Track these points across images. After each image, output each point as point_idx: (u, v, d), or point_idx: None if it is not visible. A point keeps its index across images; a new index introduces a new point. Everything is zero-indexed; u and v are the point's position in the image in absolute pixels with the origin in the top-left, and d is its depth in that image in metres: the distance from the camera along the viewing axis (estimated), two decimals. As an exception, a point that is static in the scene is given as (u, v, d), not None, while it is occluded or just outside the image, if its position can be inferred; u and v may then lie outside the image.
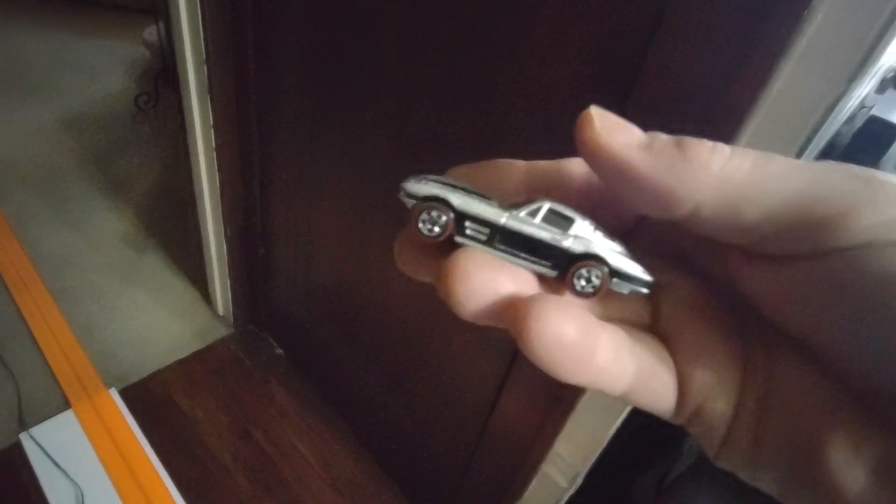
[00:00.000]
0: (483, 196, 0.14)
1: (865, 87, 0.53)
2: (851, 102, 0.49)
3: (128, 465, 1.09)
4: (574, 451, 0.73)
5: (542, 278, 0.15)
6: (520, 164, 0.16)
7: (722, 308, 0.15)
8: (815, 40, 0.40)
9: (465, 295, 0.13)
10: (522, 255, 0.14)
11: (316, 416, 1.21)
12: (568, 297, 0.15)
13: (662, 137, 0.13)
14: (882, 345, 0.11)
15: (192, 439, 1.15)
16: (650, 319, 0.16)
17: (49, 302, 1.34)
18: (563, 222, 0.14)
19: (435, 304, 0.91)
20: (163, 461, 1.10)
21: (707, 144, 0.13)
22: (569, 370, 0.13)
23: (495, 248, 0.14)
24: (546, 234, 0.14)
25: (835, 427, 0.13)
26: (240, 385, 1.26)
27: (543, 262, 0.14)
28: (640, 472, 0.78)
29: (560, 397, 0.69)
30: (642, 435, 0.70)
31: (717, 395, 0.14)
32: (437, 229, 0.14)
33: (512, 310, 0.13)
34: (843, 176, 0.12)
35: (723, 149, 0.13)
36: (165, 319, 1.36)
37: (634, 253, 0.15)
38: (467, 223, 0.14)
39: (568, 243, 0.14)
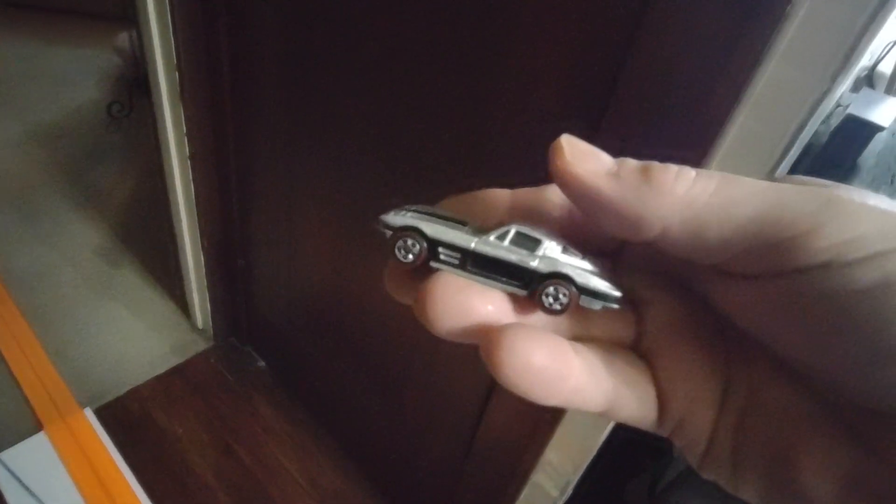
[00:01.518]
0: (458, 222, 0.16)
1: (841, 87, 0.53)
2: (829, 102, 0.49)
3: (104, 487, 1.05)
4: (564, 459, 0.72)
5: (514, 298, 0.16)
6: (504, 194, 0.17)
7: (704, 323, 0.16)
8: (798, 39, 0.40)
9: (438, 316, 0.14)
10: (493, 276, 0.15)
11: (301, 431, 1.19)
12: (538, 317, 0.15)
13: (630, 164, 0.14)
14: (847, 360, 0.12)
15: (172, 458, 1.12)
16: (634, 336, 0.16)
17: (20, 320, 1.30)
18: (531, 244, 0.15)
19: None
20: (141, 482, 1.06)
21: (672, 170, 0.13)
22: (541, 394, 0.14)
23: (468, 271, 0.15)
24: (514, 255, 0.15)
25: (809, 440, 0.13)
26: (221, 400, 1.23)
27: (514, 283, 0.15)
28: (630, 478, 0.77)
29: (549, 406, 0.68)
30: (633, 442, 0.69)
31: (697, 409, 0.15)
32: (410, 256, 0.15)
33: (483, 339, 0.14)
34: (804, 197, 0.12)
35: (687, 173, 0.13)
36: (142, 334, 1.33)
37: (607, 270, 0.16)
38: (441, 249, 0.15)
39: (535, 264, 0.15)
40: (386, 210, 0.16)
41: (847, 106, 0.72)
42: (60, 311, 1.34)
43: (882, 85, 0.82)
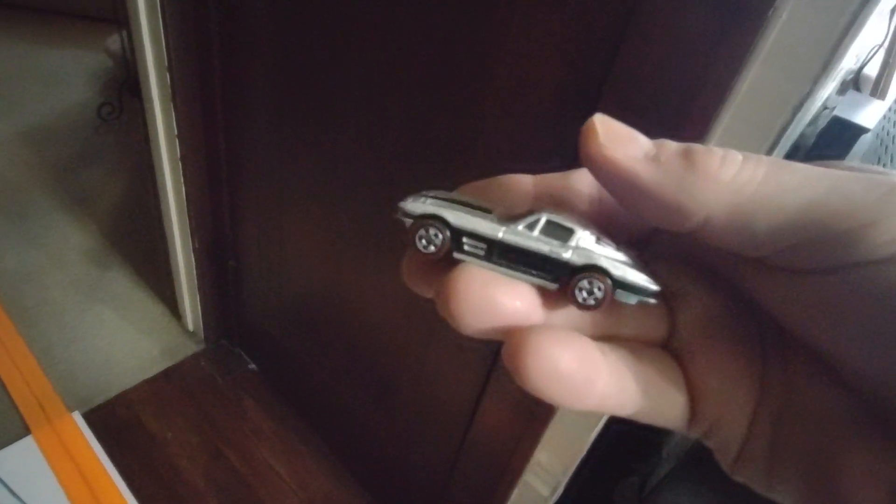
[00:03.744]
0: (482, 210, 0.14)
1: (827, 89, 0.54)
2: (815, 104, 0.49)
3: (92, 492, 1.04)
4: (555, 459, 0.72)
5: (543, 291, 0.14)
6: (527, 180, 0.16)
7: (740, 319, 0.15)
8: (780, 42, 0.41)
9: (463, 312, 0.13)
10: (521, 268, 0.14)
11: (291, 433, 1.18)
12: (566, 313, 0.14)
13: (670, 147, 0.13)
14: None
15: (161, 462, 1.11)
16: (666, 333, 0.15)
17: (6, 322, 1.28)
18: (563, 233, 0.14)
19: (411, 315, 0.89)
20: (130, 486, 1.05)
21: (717, 154, 0.12)
22: (568, 400, 0.13)
23: (494, 262, 0.14)
24: (545, 246, 0.14)
25: (852, 446, 0.12)
26: (211, 403, 1.22)
27: (543, 275, 0.14)
28: (620, 478, 0.77)
29: (539, 406, 0.68)
30: (622, 441, 0.69)
31: (730, 412, 0.14)
32: (432, 247, 0.14)
33: (506, 342, 0.13)
34: (863, 186, 0.11)
35: (734, 158, 0.12)
36: (132, 337, 1.31)
37: (642, 262, 0.15)
38: (465, 239, 0.14)
39: (568, 255, 0.14)
40: (403, 196, 0.15)
41: (833, 108, 0.73)
42: (48, 314, 1.32)
43: (868, 87, 0.83)
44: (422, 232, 0.14)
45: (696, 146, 0.13)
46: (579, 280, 0.14)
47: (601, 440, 0.66)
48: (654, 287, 0.14)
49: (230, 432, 1.17)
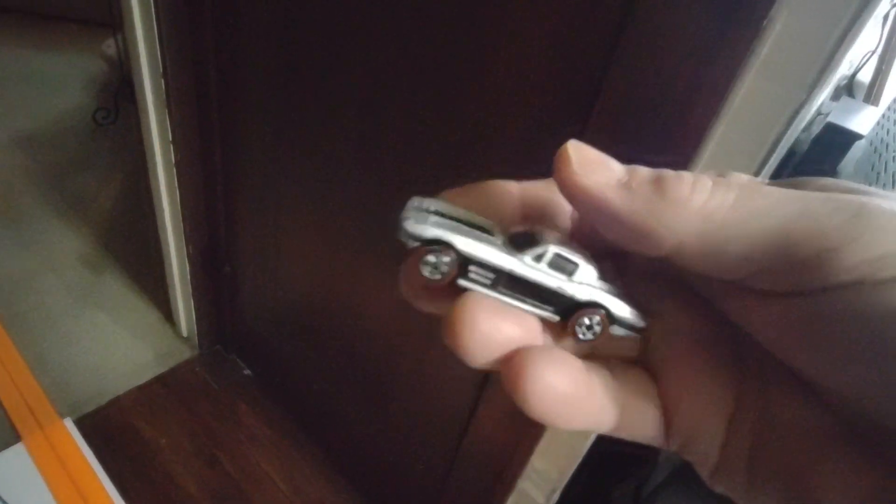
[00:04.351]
0: (482, 230, 0.14)
1: (822, 96, 0.54)
2: (809, 110, 0.50)
3: (84, 499, 1.03)
4: (551, 466, 0.71)
5: (544, 322, 0.15)
6: (513, 188, 0.16)
7: (714, 335, 0.15)
8: (776, 49, 0.41)
9: (474, 347, 0.13)
10: (527, 300, 0.14)
11: (286, 439, 1.17)
12: (566, 344, 0.15)
13: (642, 174, 0.13)
14: (874, 382, 0.11)
15: (155, 468, 1.10)
16: (639, 350, 0.16)
17: (-2, 328, 1.27)
18: (568, 267, 0.14)
19: (407, 321, 0.89)
20: (122, 493, 1.04)
21: (687, 181, 0.13)
22: (564, 421, 0.13)
23: (499, 292, 0.14)
24: (553, 280, 0.14)
25: (827, 458, 0.13)
26: (206, 409, 1.21)
27: (547, 308, 0.14)
28: (616, 484, 0.77)
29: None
30: (618, 447, 0.69)
31: (705, 426, 0.14)
32: (438, 275, 0.14)
33: (504, 367, 0.13)
34: (830, 209, 0.12)
35: (704, 184, 0.12)
36: (126, 343, 1.30)
37: (630, 290, 0.15)
38: (472, 267, 0.14)
39: (573, 290, 0.14)
40: (401, 207, 0.14)
41: (827, 114, 0.73)
42: (41, 319, 1.31)
43: (861, 93, 0.84)
44: (429, 258, 0.13)
45: (667, 173, 0.13)
46: (581, 316, 0.14)
47: (597, 446, 0.66)
48: (643, 324, 0.15)
49: (225, 438, 1.16)
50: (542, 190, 0.16)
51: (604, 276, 0.15)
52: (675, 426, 0.15)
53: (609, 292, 0.15)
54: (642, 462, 0.74)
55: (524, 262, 0.14)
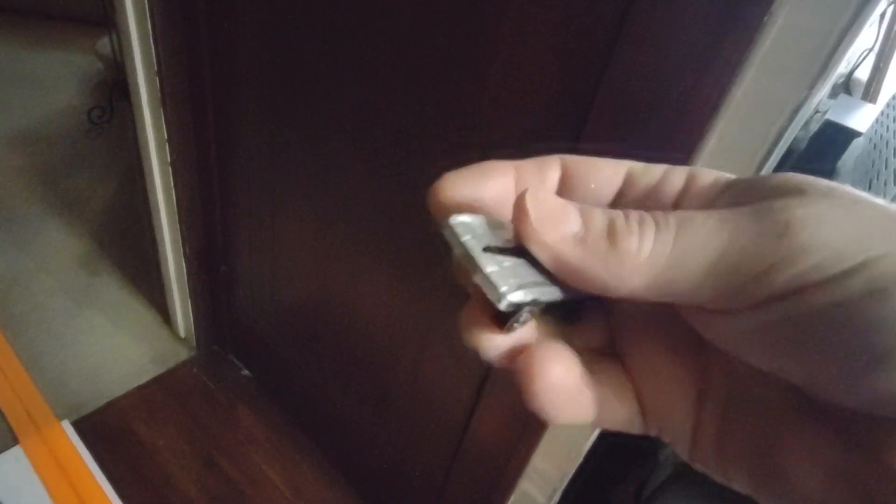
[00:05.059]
0: (518, 252, 0.15)
1: (819, 94, 0.54)
2: (808, 108, 0.49)
3: (82, 502, 1.02)
4: (551, 466, 0.71)
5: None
6: (509, 166, 0.17)
7: (675, 318, 0.15)
8: (776, 49, 0.40)
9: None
10: (559, 312, 0.15)
11: (285, 440, 1.17)
12: (561, 343, 0.15)
13: (596, 227, 0.14)
14: (836, 373, 0.12)
15: (153, 471, 1.09)
16: (606, 341, 0.17)
17: (-6, 330, 1.26)
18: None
19: (405, 321, 0.89)
20: (120, 496, 1.03)
21: (635, 234, 0.13)
22: (558, 415, 0.14)
23: (544, 316, 0.15)
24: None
25: (791, 433, 0.13)
26: (204, 410, 1.20)
27: (572, 305, 0.15)
28: (617, 484, 0.77)
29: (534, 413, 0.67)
30: (619, 447, 0.69)
31: (674, 405, 0.15)
32: (523, 325, 0.15)
33: (517, 370, 0.14)
34: (758, 231, 0.13)
35: (649, 231, 0.13)
36: (122, 344, 1.30)
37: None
38: (546, 308, 0.15)
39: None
40: (472, 262, 0.14)
41: (825, 112, 0.73)
42: (37, 321, 1.30)
43: (859, 91, 0.84)
44: (521, 317, 0.14)
45: (619, 222, 0.14)
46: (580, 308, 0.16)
47: (597, 446, 0.66)
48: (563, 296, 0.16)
49: (223, 439, 1.16)
50: (533, 174, 0.17)
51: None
52: (648, 410, 0.16)
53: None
54: (643, 462, 0.74)
55: (558, 285, 0.15)
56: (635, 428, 0.16)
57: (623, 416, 0.16)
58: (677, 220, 0.13)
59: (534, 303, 0.14)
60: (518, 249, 0.15)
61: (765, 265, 0.12)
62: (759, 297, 0.12)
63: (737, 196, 0.14)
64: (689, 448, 0.15)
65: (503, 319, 0.14)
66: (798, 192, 0.13)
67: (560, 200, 0.14)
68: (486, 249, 0.14)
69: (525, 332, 0.15)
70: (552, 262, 0.14)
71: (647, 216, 0.14)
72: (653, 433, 0.16)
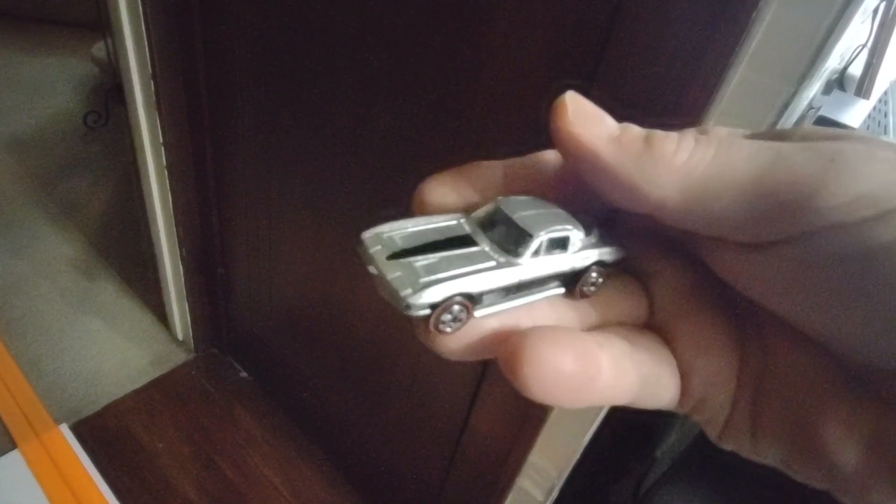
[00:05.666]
0: (458, 237, 0.14)
1: (813, 89, 0.54)
2: (800, 103, 0.50)
3: (81, 506, 1.02)
4: (549, 463, 0.71)
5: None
6: (497, 165, 0.16)
7: (712, 292, 0.15)
8: (766, 40, 0.41)
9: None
10: (535, 291, 0.14)
11: (285, 441, 1.17)
12: (561, 317, 0.15)
13: (633, 131, 0.13)
14: (867, 325, 0.11)
15: (152, 474, 1.09)
16: (647, 312, 0.16)
17: (-8, 334, 1.26)
18: (562, 242, 0.14)
19: (402, 321, 0.89)
20: (119, 499, 1.03)
21: (673, 139, 0.13)
22: (571, 401, 0.13)
23: (511, 299, 0.14)
24: (555, 266, 0.14)
25: (829, 404, 0.13)
26: (202, 412, 1.20)
27: (552, 287, 0.15)
28: (615, 480, 0.77)
29: (532, 409, 0.67)
30: (616, 443, 0.69)
31: (718, 385, 0.14)
32: (460, 323, 0.13)
33: (500, 350, 0.13)
34: (806, 156, 0.12)
35: (687, 142, 0.13)
36: (120, 347, 1.30)
37: (607, 229, 0.16)
38: (485, 297, 0.13)
39: (573, 263, 0.14)
40: (378, 269, 0.13)
41: (819, 108, 0.74)
42: (34, 325, 1.30)
43: (852, 87, 0.84)
44: (445, 317, 0.13)
45: (657, 132, 0.13)
46: (585, 279, 0.15)
47: (595, 442, 0.66)
48: (625, 253, 0.16)
49: (222, 441, 1.16)
50: (524, 161, 0.16)
51: (585, 225, 0.15)
52: (690, 388, 0.15)
53: (597, 244, 0.15)
54: (641, 457, 0.74)
55: (527, 267, 0.14)
56: (670, 406, 0.15)
57: (663, 394, 0.15)
58: (719, 136, 0.13)
59: (465, 296, 0.13)
60: (493, 222, 0.14)
61: (811, 187, 0.11)
62: (798, 227, 0.11)
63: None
64: (720, 428, 0.15)
65: (433, 321, 0.13)
66: (836, 136, 0.12)
67: (598, 108, 0.14)
68: (410, 252, 0.13)
69: (490, 322, 0.13)
70: (582, 159, 0.13)
71: (688, 132, 0.13)
72: (684, 410, 0.15)
